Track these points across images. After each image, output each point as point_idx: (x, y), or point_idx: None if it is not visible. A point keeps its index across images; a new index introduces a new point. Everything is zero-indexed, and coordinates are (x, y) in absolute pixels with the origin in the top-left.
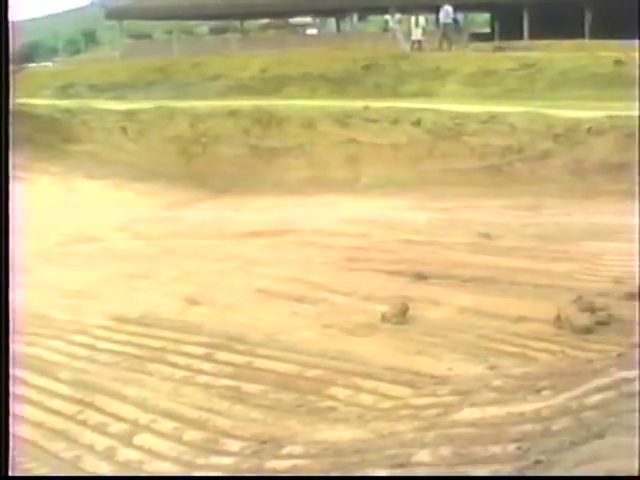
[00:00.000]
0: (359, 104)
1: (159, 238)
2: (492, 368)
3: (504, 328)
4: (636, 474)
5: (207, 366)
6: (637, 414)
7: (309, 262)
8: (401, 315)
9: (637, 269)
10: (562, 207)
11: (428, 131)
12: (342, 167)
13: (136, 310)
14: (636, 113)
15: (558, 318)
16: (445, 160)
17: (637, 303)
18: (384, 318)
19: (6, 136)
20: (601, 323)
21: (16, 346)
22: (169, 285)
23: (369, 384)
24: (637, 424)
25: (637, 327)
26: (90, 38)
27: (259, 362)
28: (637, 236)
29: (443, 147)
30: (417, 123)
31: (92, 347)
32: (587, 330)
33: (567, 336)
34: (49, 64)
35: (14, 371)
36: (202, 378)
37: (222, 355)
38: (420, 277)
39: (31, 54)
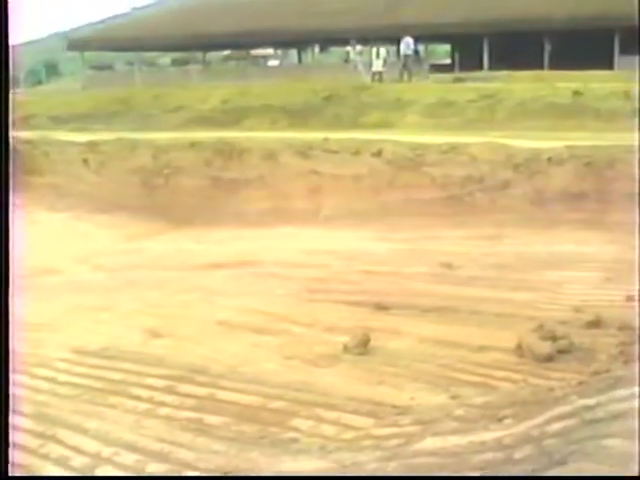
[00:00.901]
0: (320, 135)
1: (120, 270)
2: (454, 397)
3: (465, 357)
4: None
5: (169, 398)
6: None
7: (270, 293)
8: (362, 346)
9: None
10: (522, 236)
11: (389, 162)
12: (303, 198)
13: (97, 343)
14: (593, 143)
15: (519, 347)
16: (406, 191)
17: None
18: (346, 349)
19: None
20: (562, 351)
21: None
22: (130, 317)
23: (331, 415)
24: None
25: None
26: (51, 69)
27: (221, 394)
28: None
29: (404, 178)
30: (378, 154)
31: (53, 380)
32: (548, 358)
33: (528, 365)
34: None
35: None
36: (164, 410)
37: (184, 387)
38: (381, 308)
39: None
